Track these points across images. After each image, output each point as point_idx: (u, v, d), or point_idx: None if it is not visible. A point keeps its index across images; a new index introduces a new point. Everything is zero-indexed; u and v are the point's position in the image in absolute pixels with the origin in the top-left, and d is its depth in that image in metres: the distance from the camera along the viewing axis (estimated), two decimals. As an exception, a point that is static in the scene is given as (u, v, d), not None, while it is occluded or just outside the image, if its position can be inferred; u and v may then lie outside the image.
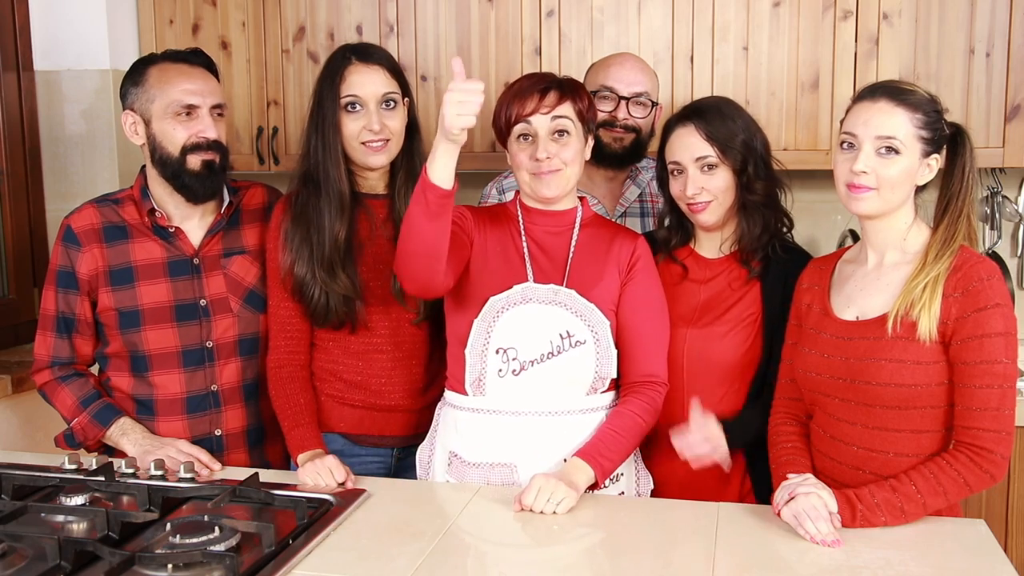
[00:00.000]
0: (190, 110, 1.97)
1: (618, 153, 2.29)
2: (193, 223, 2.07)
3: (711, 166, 1.89)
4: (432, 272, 1.72)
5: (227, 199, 2.09)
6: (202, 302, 2.05)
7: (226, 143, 2.05)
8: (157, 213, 2.04)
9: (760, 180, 1.91)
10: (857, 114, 1.67)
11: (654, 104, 2.32)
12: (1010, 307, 1.61)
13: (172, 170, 2.00)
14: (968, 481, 1.58)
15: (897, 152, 1.63)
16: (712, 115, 1.90)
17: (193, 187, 2.01)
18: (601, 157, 2.30)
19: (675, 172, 1.92)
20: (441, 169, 1.63)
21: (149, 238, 2.04)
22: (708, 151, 1.88)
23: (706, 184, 1.89)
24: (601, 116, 2.26)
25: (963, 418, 1.59)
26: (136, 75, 2.01)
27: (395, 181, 2.06)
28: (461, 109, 1.58)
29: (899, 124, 1.63)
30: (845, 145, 1.68)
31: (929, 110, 1.65)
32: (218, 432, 2.07)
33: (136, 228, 2.05)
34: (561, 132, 1.81)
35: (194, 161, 1.98)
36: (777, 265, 1.93)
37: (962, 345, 1.59)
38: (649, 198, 2.39)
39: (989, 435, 1.57)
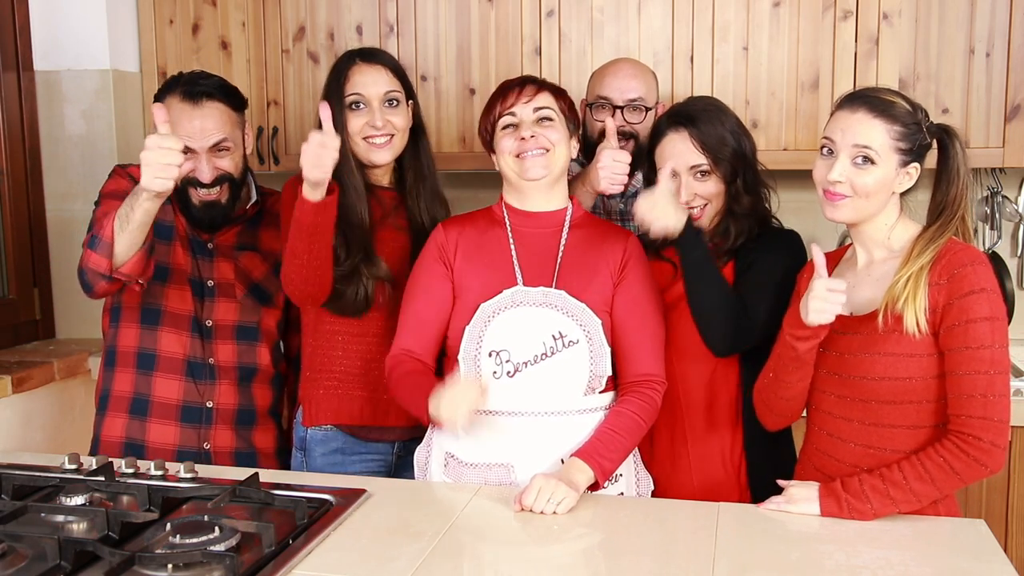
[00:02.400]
0: (186, 151, 1.95)
1: None
2: None
3: (705, 173, 1.91)
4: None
5: (254, 196, 2.16)
6: (209, 282, 2.12)
7: (238, 170, 2.08)
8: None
9: (747, 194, 1.94)
10: (836, 121, 1.68)
11: (649, 109, 2.33)
12: (996, 292, 1.60)
13: (179, 196, 2.07)
14: (955, 468, 1.57)
15: (872, 162, 1.64)
16: (703, 121, 1.91)
17: (198, 221, 2.09)
18: None
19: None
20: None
21: (178, 213, 2.12)
22: (701, 160, 1.90)
23: (699, 190, 1.92)
24: (599, 127, 2.29)
25: (952, 406, 1.59)
26: (157, 102, 2.03)
27: (404, 182, 2.11)
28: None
29: (876, 135, 1.63)
30: (824, 151, 1.70)
31: (908, 121, 1.65)
32: (209, 404, 2.11)
33: (166, 209, 2.09)
34: (544, 119, 1.85)
35: (194, 196, 2.06)
36: (750, 243, 1.95)
37: (948, 332, 1.59)
38: None
39: (976, 422, 1.56)
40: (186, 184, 2.04)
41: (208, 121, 2.03)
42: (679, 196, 1.90)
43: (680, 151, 1.91)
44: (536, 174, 1.84)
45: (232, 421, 2.13)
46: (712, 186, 1.92)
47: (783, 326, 1.71)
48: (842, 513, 1.60)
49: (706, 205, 1.92)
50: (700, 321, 1.90)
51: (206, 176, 2.03)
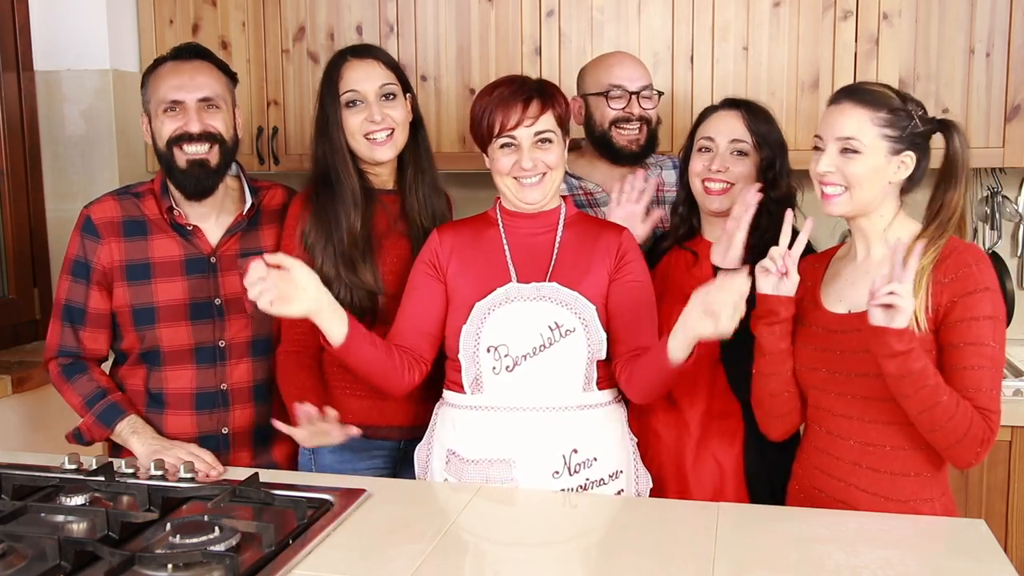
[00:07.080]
0: (175, 105, 1.98)
1: (636, 153, 2.34)
2: (210, 222, 2.07)
3: (742, 152, 1.94)
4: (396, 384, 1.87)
5: (249, 201, 2.10)
6: (217, 301, 2.05)
7: (228, 134, 2.03)
8: (175, 211, 2.04)
9: (783, 178, 1.96)
10: (824, 118, 1.70)
11: (660, 94, 2.37)
12: (998, 292, 1.62)
13: (165, 166, 2.02)
14: (973, 420, 1.55)
15: (857, 151, 1.64)
16: (759, 112, 1.98)
17: (183, 184, 2.01)
18: (617, 158, 2.33)
19: (703, 149, 1.96)
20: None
21: (167, 235, 2.05)
22: (746, 136, 1.94)
23: (732, 166, 1.93)
24: (615, 114, 2.31)
25: None
26: (145, 77, 2.05)
27: (404, 177, 2.09)
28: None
29: (858, 124, 1.64)
30: (816, 149, 1.71)
31: (894, 106, 1.65)
32: (225, 430, 2.08)
33: (155, 223, 2.05)
34: (544, 140, 1.83)
35: (180, 157, 1.99)
36: None
37: (952, 328, 1.59)
38: (658, 188, 2.41)
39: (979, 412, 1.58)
40: (171, 145, 1.97)
41: (199, 75, 1.99)
42: (711, 166, 1.93)
43: (728, 124, 1.96)
44: (533, 199, 1.86)
45: (250, 444, 2.10)
46: (744, 167, 1.94)
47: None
48: (901, 342, 1.50)
49: (731, 186, 1.93)
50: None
51: (195, 127, 1.97)
